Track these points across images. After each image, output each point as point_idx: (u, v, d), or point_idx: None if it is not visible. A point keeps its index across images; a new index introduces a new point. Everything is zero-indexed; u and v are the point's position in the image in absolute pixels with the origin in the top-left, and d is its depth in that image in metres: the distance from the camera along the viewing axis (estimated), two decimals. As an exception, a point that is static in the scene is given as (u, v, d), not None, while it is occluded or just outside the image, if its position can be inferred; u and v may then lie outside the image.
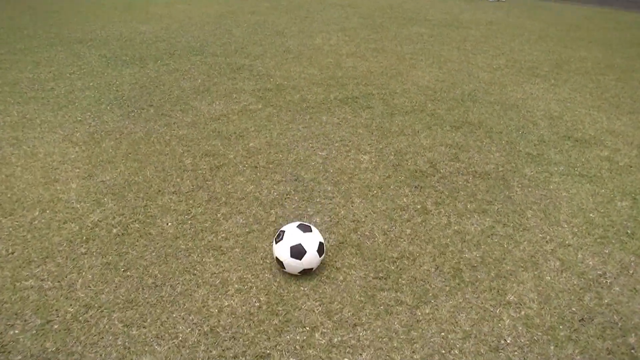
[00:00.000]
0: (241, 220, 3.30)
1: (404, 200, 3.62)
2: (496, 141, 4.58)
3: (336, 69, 6.49)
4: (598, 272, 2.92)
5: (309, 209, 3.46)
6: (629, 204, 3.66)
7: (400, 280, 2.81)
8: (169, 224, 3.23)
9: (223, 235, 3.15)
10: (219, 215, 3.36)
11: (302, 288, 2.73)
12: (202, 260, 2.93)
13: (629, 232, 3.33)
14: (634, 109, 5.41)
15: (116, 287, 2.68)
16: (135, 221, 3.25)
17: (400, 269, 2.90)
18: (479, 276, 2.86)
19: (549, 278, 2.88)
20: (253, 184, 3.76)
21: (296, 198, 3.60)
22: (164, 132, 4.59)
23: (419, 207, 3.53)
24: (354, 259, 2.97)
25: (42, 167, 3.93)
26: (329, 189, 3.72)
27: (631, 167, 4.24)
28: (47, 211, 3.35)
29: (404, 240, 3.16)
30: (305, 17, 10.22)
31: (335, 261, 2.94)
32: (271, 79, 6.04)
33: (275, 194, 3.65)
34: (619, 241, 3.23)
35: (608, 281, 2.86)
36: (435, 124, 4.87)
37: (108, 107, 5.16)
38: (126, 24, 9.41)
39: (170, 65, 6.67)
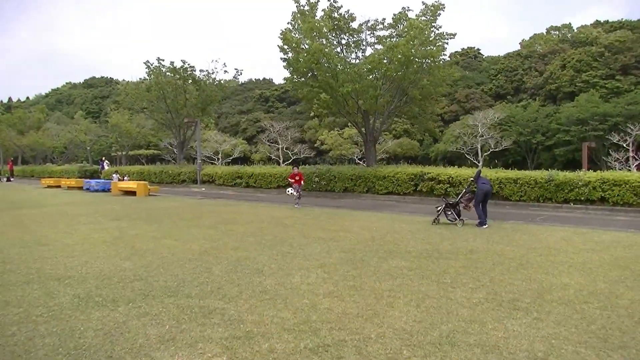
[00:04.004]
0: None
1: None
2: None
3: (311, 312, 6.12)
4: None
5: None
6: None
7: None
8: None
9: None
10: None
11: None
12: None
13: None
14: (623, 343, 5.12)
15: None
16: None
17: None
18: None
19: None
20: None
21: None
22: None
23: None
24: None
25: None
26: None
27: None
28: None
29: None
30: (287, 252, 9.90)
31: None
32: (242, 325, 5.66)
33: None
34: None
35: None
36: (410, 376, 4.55)
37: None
38: (109, 259, 9.26)
39: (142, 309, 6.27)
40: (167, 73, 37.43)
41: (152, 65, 37.42)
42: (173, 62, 37.03)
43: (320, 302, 6.44)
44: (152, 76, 37.80)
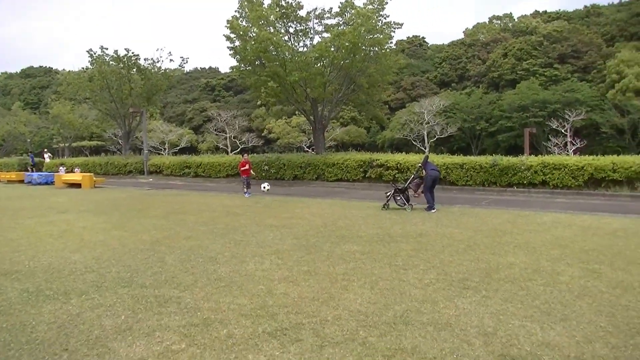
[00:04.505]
0: None
1: None
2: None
3: (267, 297, 6.22)
4: None
5: None
6: None
7: None
8: None
9: None
10: None
11: None
12: None
13: None
14: (565, 316, 5.42)
15: None
16: None
17: None
18: None
19: None
20: None
21: None
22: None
23: None
24: None
25: None
26: None
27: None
28: None
29: None
30: (240, 240, 9.93)
31: None
32: (199, 313, 5.71)
33: None
34: None
35: None
36: (367, 355, 4.61)
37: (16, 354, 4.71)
38: (57, 253, 9.05)
39: (95, 300, 6.21)
40: (111, 62, 36.42)
41: (95, 53, 36.42)
42: (117, 51, 36.14)
43: (275, 288, 6.52)
44: (95, 65, 36.74)
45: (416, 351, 4.57)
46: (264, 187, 19.13)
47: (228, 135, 67.74)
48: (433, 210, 13.50)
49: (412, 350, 4.59)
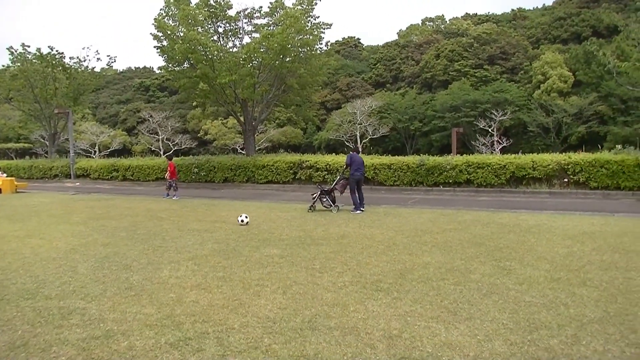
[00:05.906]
0: None
1: None
2: (325, 380, 4.54)
3: (176, 306, 6.07)
4: None
5: None
6: None
7: None
8: None
9: None
10: None
11: None
12: None
13: None
14: (470, 315, 5.52)
15: None
16: None
17: None
18: None
19: None
20: None
21: None
22: None
23: None
24: None
25: None
26: None
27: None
28: None
29: None
30: (159, 246, 9.69)
31: None
32: (102, 324, 5.51)
33: None
34: None
35: None
36: (268, 365, 4.71)
37: None
38: (-38, 261, 8.51)
39: (-7, 314, 5.90)
40: (34, 60, 35.05)
41: (16, 51, 34.91)
42: (39, 49, 34.80)
43: (186, 295, 6.38)
44: (16, 63, 35.23)
45: (318, 357, 4.54)
46: (242, 220, 13.25)
47: (160, 137, 66.35)
48: (358, 212, 13.60)
49: (315, 356, 4.56)
